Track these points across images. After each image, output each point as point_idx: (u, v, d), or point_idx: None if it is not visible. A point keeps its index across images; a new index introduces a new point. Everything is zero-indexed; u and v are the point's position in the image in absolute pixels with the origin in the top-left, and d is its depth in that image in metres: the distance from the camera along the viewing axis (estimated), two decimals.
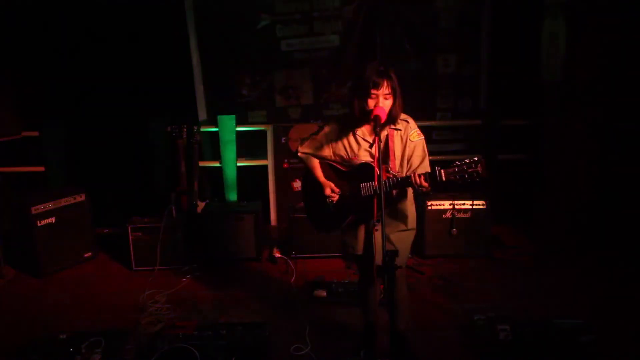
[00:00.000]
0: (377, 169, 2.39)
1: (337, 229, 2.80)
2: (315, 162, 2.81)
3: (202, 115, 5.14)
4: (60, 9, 4.74)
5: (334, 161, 2.78)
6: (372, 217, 2.53)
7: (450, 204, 4.23)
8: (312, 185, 2.82)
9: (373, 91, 2.50)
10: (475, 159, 2.35)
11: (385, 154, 2.62)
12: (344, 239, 2.83)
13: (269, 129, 5.00)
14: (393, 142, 2.63)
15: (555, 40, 4.50)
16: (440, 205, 4.23)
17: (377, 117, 2.46)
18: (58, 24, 4.80)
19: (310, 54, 5.05)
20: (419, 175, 2.43)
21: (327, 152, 2.76)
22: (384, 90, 2.49)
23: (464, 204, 4.23)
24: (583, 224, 4.45)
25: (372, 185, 2.56)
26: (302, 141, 2.85)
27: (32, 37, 4.82)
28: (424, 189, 2.44)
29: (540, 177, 4.78)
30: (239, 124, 4.96)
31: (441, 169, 2.40)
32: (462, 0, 4.94)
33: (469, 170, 2.34)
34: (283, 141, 4.99)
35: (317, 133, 2.79)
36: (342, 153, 2.72)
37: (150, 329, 3.13)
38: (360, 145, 2.67)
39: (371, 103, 2.52)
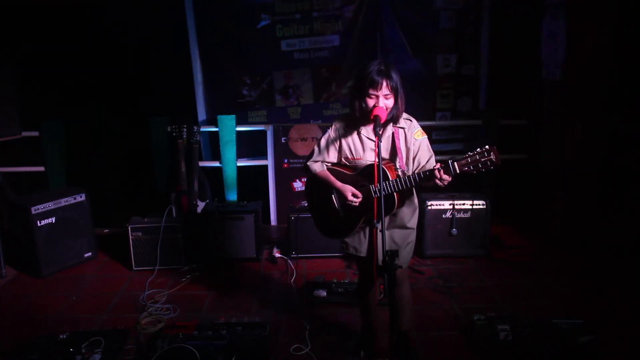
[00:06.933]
0: (377, 171, 2.32)
1: (349, 234, 2.71)
2: (325, 169, 2.71)
3: (202, 115, 5.14)
4: (60, 9, 4.74)
5: (337, 164, 2.70)
6: (387, 214, 2.49)
7: (450, 204, 4.22)
8: (320, 192, 2.73)
9: (371, 91, 2.45)
10: (487, 147, 2.30)
11: (392, 152, 2.58)
12: (346, 241, 2.76)
13: (268, 129, 5.00)
14: (399, 139, 2.57)
15: (554, 39, 4.50)
16: (440, 205, 4.23)
17: (377, 117, 2.40)
18: (57, 23, 4.80)
19: (310, 54, 5.05)
20: (439, 169, 2.36)
21: (334, 155, 2.69)
22: (384, 90, 2.44)
23: (464, 204, 4.23)
24: (583, 223, 4.45)
25: (388, 184, 2.47)
26: (310, 154, 2.75)
27: (31, 37, 4.82)
28: (446, 181, 2.37)
29: (540, 177, 4.78)
30: (239, 124, 4.96)
31: (454, 161, 2.34)
32: (462, 0, 4.94)
33: (483, 159, 2.30)
34: (283, 141, 4.99)
35: (321, 139, 2.71)
36: (347, 154, 2.65)
37: (150, 329, 3.13)
38: (365, 145, 2.61)
39: (370, 103, 2.47)
